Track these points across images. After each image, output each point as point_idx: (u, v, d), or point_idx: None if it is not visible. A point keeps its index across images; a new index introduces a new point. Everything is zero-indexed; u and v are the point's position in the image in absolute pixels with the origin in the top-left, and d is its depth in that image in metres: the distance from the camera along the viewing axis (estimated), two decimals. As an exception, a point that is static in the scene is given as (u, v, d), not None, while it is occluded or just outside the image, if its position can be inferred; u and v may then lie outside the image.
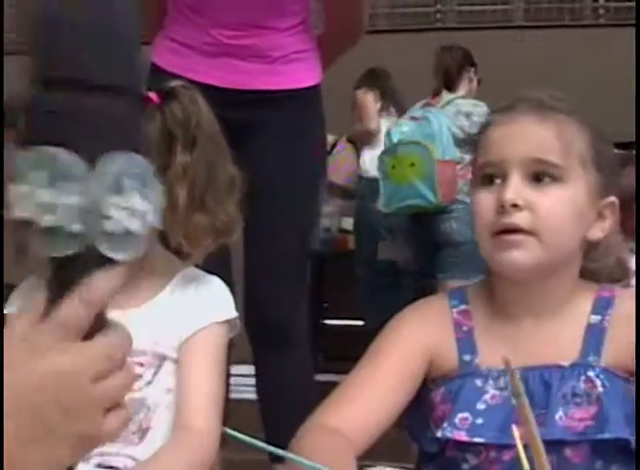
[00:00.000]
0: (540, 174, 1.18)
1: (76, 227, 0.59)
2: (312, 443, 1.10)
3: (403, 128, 4.03)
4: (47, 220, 0.58)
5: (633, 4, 5.67)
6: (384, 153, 4.08)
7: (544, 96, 1.25)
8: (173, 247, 1.36)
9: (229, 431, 0.81)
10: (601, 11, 6.03)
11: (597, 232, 1.23)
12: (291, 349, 2.14)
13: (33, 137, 0.59)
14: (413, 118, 4.08)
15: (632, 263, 1.81)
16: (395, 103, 4.76)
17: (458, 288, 1.33)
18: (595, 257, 1.27)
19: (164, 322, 1.33)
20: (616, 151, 2.57)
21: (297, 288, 2.24)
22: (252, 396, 2.28)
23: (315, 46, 2.30)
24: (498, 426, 1.18)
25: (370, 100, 4.74)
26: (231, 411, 1.74)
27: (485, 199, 1.20)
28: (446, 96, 4.24)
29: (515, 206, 1.15)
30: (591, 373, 1.18)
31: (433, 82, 4.57)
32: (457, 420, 1.18)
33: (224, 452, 2.19)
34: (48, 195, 0.58)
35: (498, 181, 1.19)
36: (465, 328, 1.25)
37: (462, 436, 1.16)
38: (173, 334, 1.33)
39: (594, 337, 1.21)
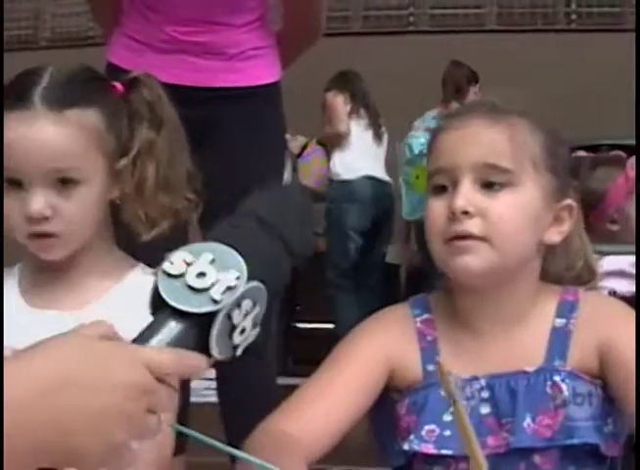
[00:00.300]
0: (492, 180, 1.17)
1: (216, 295, 0.76)
2: (264, 444, 1.08)
3: (421, 140, 4.11)
4: (192, 278, 0.77)
5: (605, 9, 5.71)
6: (406, 164, 4.20)
7: (496, 100, 1.25)
8: (131, 223, 1.33)
9: (184, 430, 0.79)
10: (573, 16, 6.05)
11: (554, 236, 1.22)
12: (253, 351, 2.12)
13: (214, 237, 0.82)
14: (429, 130, 4.12)
15: (599, 266, 1.80)
16: (366, 106, 4.76)
17: (420, 297, 1.31)
18: (559, 259, 1.27)
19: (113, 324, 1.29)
20: (585, 154, 2.61)
21: (271, 287, 2.20)
22: (214, 399, 2.26)
23: (274, 43, 2.25)
24: None
25: (340, 102, 4.74)
26: (192, 415, 1.72)
27: (437, 206, 1.18)
28: (457, 107, 4.28)
29: (466, 213, 1.14)
30: (557, 378, 1.17)
31: (405, 85, 4.59)
32: (424, 432, 1.17)
33: (186, 456, 2.19)
34: (205, 267, 0.77)
35: (450, 188, 1.18)
36: (429, 338, 1.24)
37: (429, 448, 1.14)
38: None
39: (559, 341, 1.20)
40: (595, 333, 1.18)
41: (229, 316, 0.77)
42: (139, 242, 1.34)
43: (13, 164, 1.22)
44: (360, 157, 4.68)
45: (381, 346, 1.21)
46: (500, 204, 1.15)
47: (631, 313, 1.21)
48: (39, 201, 1.21)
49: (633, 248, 2.43)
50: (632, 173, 2.41)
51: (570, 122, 4.15)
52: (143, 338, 0.77)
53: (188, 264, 0.78)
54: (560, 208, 1.21)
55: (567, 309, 1.22)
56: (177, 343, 0.76)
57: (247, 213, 0.88)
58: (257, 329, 0.82)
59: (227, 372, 2.19)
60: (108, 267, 1.32)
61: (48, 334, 1.23)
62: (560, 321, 1.21)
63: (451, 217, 1.15)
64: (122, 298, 1.30)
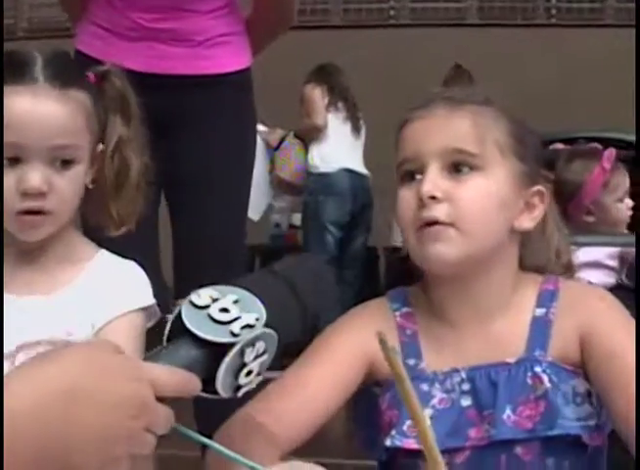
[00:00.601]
0: (458, 164, 1.15)
1: (235, 329, 0.81)
2: (237, 434, 1.06)
3: None
4: (215, 311, 0.82)
5: (585, 5, 5.73)
6: None
7: (459, 91, 1.26)
8: (99, 217, 1.33)
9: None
10: (553, 11, 6.07)
11: (526, 222, 1.20)
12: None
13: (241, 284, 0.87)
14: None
15: (576, 257, 1.80)
16: (344, 99, 4.75)
17: (399, 290, 1.29)
18: (538, 251, 1.26)
19: (77, 311, 1.27)
20: (562, 146, 2.61)
21: (231, 278, 2.17)
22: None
23: (243, 29, 2.21)
24: (448, 430, 1.15)
25: (317, 95, 4.72)
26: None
27: (406, 195, 1.18)
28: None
29: (433, 198, 1.14)
30: (538, 369, 1.15)
31: (385, 78, 4.58)
32: (405, 427, 1.15)
33: (157, 449, 2.16)
34: (229, 305, 0.83)
35: (418, 176, 1.17)
36: (409, 331, 1.22)
37: (411, 444, 1.13)
38: (86, 323, 1.28)
39: (540, 331, 1.19)
40: (576, 321, 1.17)
41: (242, 353, 0.81)
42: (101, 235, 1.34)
43: (14, 138, 1.21)
44: (338, 149, 4.66)
45: (359, 340, 1.19)
46: (467, 188, 1.15)
47: (612, 301, 1.20)
48: (37, 176, 1.21)
49: (610, 239, 2.44)
50: (608, 165, 2.42)
51: (548, 116, 4.17)
52: (156, 357, 0.79)
53: (214, 300, 0.83)
54: (530, 194, 1.20)
55: (547, 299, 1.21)
56: (186, 369, 0.79)
57: (274, 272, 0.92)
58: (261, 378, 0.85)
59: None
60: (76, 252, 1.32)
61: (20, 318, 1.23)
62: (540, 311, 1.20)
63: (420, 204, 1.15)
64: (90, 282, 1.29)
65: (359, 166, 4.72)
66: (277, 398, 1.15)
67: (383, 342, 0.73)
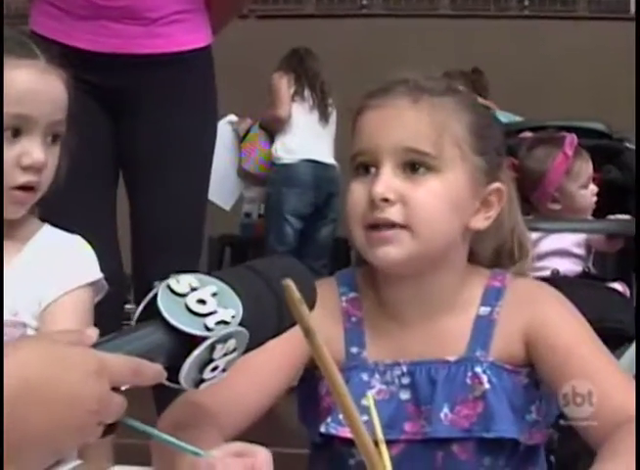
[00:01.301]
0: (414, 163, 1.11)
1: (210, 324, 0.79)
2: (180, 417, 1.04)
3: None
4: (192, 301, 0.80)
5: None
6: None
7: (420, 77, 1.18)
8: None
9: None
10: (526, 2, 6.08)
11: (480, 222, 1.17)
12: None
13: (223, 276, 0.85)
14: None
15: (543, 245, 1.78)
16: (312, 86, 4.68)
17: (346, 272, 1.26)
18: (488, 241, 1.23)
19: (23, 288, 1.25)
20: (530, 134, 2.61)
21: (190, 263, 2.13)
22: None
23: (201, 6, 2.16)
24: (385, 422, 1.10)
25: (283, 85, 4.64)
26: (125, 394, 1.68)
27: (357, 190, 1.14)
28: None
29: (385, 200, 1.09)
30: (478, 369, 1.13)
31: (358, 68, 4.55)
32: (341, 416, 1.13)
33: (114, 438, 2.14)
34: (207, 297, 0.81)
35: (372, 170, 1.13)
36: (354, 318, 1.19)
37: (346, 433, 1.09)
38: (33, 302, 1.25)
39: (482, 330, 1.16)
40: (521, 320, 1.15)
41: (212, 348, 0.80)
42: None
43: (18, 109, 1.20)
44: (302, 140, 4.60)
45: None
46: (422, 190, 1.11)
47: (558, 297, 1.18)
48: (41, 150, 1.22)
49: (578, 225, 2.43)
50: (570, 152, 2.42)
51: (520, 106, 4.17)
52: (124, 339, 0.78)
53: (192, 289, 0.81)
54: (488, 192, 1.16)
55: (492, 297, 1.18)
56: (152, 354, 0.78)
57: (254, 268, 0.90)
58: (225, 374, 0.84)
59: None
60: (20, 228, 1.30)
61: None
62: (484, 310, 1.17)
63: (371, 204, 1.11)
64: (35, 259, 1.27)
65: (325, 157, 4.67)
66: (223, 381, 1.12)
67: (289, 289, 0.67)
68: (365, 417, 1.12)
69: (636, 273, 2.24)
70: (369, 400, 0.88)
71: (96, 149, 2.01)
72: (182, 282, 0.81)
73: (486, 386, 1.12)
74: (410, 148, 1.11)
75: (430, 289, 1.17)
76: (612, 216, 2.49)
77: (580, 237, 2.45)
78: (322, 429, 1.13)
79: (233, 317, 0.81)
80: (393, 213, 1.10)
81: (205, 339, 0.79)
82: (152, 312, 0.80)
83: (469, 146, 1.14)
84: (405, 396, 1.15)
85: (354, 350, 1.17)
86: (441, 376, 1.14)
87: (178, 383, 0.80)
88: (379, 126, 1.14)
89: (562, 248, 2.43)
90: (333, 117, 4.71)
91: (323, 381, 1.16)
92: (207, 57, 2.19)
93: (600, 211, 2.55)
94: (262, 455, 0.83)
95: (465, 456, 1.13)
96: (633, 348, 2.05)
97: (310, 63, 4.71)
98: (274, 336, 0.90)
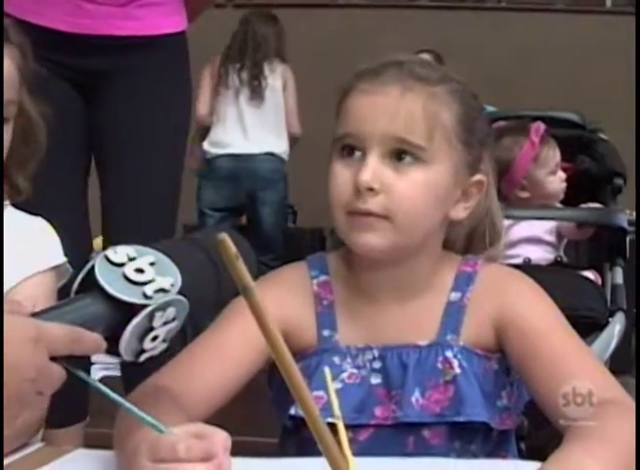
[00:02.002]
0: (401, 153, 1.10)
1: (149, 292, 0.79)
2: (145, 400, 0.99)
3: None
4: (130, 271, 0.79)
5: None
6: None
7: (414, 64, 1.16)
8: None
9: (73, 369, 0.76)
10: (503, -5, 6.08)
11: (460, 212, 1.17)
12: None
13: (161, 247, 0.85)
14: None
15: (514, 232, 1.78)
16: (242, 66, 4.36)
17: (318, 256, 1.24)
18: (460, 227, 1.22)
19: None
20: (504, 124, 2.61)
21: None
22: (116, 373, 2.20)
23: None
24: (355, 406, 1.12)
25: (205, 79, 4.41)
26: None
27: (342, 175, 1.12)
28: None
29: (370, 189, 1.08)
30: (449, 353, 1.13)
31: (335, 59, 4.51)
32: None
33: (85, 426, 2.13)
34: (145, 266, 0.80)
35: (358, 154, 1.11)
36: (325, 302, 1.18)
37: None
38: None
39: (453, 315, 1.16)
40: (492, 305, 1.15)
41: (151, 316, 0.79)
42: None
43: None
44: (224, 133, 4.39)
45: (275, 306, 1.13)
46: (407, 181, 1.09)
47: (528, 282, 1.18)
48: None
49: (550, 213, 2.44)
50: (536, 139, 2.43)
51: (495, 98, 4.17)
52: (63, 310, 0.77)
53: (130, 259, 0.80)
54: (469, 183, 1.16)
55: (464, 282, 1.18)
56: (92, 325, 0.77)
57: (193, 239, 0.90)
58: (165, 345, 0.83)
59: None
60: None
61: None
62: (455, 295, 1.17)
63: (355, 192, 1.10)
64: None
65: (253, 147, 4.39)
66: (187, 364, 1.10)
67: (224, 244, 0.62)
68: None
69: (637, 273, 2.25)
70: (326, 376, 0.86)
71: (67, 132, 1.98)
72: (119, 252, 0.81)
73: (457, 370, 1.12)
74: (400, 138, 1.09)
75: (404, 274, 1.16)
76: (583, 205, 2.50)
77: (551, 224, 2.47)
78: (292, 411, 1.12)
79: (172, 286, 0.80)
80: (375, 205, 1.09)
81: (143, 307, 0.78)
82: (90, 283, 0.79)
83: (457, 138, 1.13)
84: (376, 380, 1.15)
85: (326, 333, 1.16)
86: (412, 360, 1.13)
87: (119, 354, 0.80)
88: (369, 112, 1.11)
89: (533, 235, 2.44)
90: (273, 90, 4.41)
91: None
92: (183, 42, 2.16)
93: (573, 201, 2.56)
94: (219, 437, 0.81)
95: (436, 441, 1.13)
96: (604, 335, 2.06)
97: (258, 27, 4.40)
98: (216, 307, 0.89)
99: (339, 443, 0.76)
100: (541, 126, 2.43)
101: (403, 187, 1.09)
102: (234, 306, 1.12)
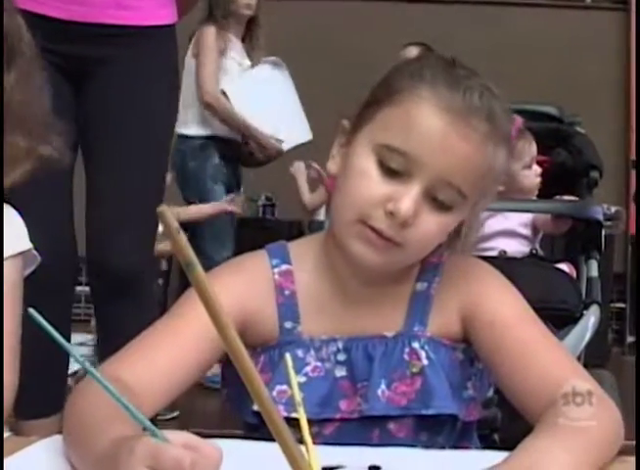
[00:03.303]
0: (441, 199, 1.03)
1: None
2: (93, 392, 0.94)
3: None
4: None
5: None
6: None
7: (494, 98, 1.05)
8: None
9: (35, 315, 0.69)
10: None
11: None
12: (137, 302, 2.05)
13: None
14: None
15: (489, 225, 1.77)
16: None
17: (278, 244, 1.18)
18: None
19: None
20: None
21: (146, 236, 2.11)
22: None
23: None
24: (319, 400, 1.09)
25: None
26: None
27: (378, 187, 1.03)
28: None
29: (404, 222, 1.02)
30: (416, 344, 1.10)
31: (317, 52, 4.53)
32: (275, 393, 1.07)
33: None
34: None
35: (400, 171, 1.02)
36: (287, 292, 1.13)
37: (280, 411, 1.05)
38: None
39: (419, 306, 1.12)
40: (458, 295, 1.12)
41: None
42: None
43: None
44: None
45: (234, 295, 1.10)
46: (437, 223, 1.04)
47: (493, 273, 1.15)
48: None
49: (526, 205, 2.44)
50: (512, 133, 2.42)
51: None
52: None
53: None
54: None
55: (430, 273, 1.15)
56: None
57: None
58: None
59: (104, 324, 2.13)
60: None
61: None
62: (421, 285, 1.14)
63: (388, 215, 1.02)
64: None
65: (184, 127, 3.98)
66: (141, 354, 1.05)
67: (164, 216, 0.57)
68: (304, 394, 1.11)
69: (637, 271, 2.26)
70: (287, 362, 0.83)
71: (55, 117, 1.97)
72: None
73: (424, 362, 1.09)
74: (451, 184, 1.02)
75: (378, 271, 1.12)
76: (558, 197, 2.50)
77: (526, 218, 2.46)
78: (255, 407, 1.05)
79: None
80: (401, 236, 1.03)
81: None
82: None
83: (488, 191, 1.09)
84: (341, 372, 1.11)
85: (288, 325, 1.13)
86: (379, 352, 1.11)
87: None
88: (440, 144, 1.01)
89: (508, 228, 2.43)
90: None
91: (257, 358, 1.11)
92: (173, 35, 2.17)
93: (549, 194, 2.56)
94: (218, 453, 0.75)
95: (402, 434, 1.11)
96: (578, 328, 2.06)
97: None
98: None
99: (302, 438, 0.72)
100: (518, 120, 2.43)
101: (431, 226, 1.04)
102: (189, 296, 1.08)
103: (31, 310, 0.68)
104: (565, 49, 5.23)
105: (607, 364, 4.00)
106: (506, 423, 1.55)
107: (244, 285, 1.13)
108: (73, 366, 2.70)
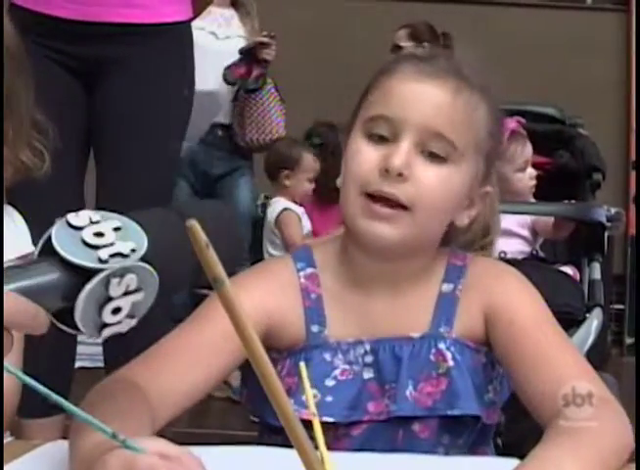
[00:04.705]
0: (434, 150, 1.07)
1: (103, 255, 0.71)
2: (113, 395, 0.95)
3: None
4: (88, 234, 0.72)
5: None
6: None
7: (464, 62, 1.13)
8: None
9: (17, 372, 0.69)
10: (484, -11, 6.06)
11: (464, 219, 1.14)
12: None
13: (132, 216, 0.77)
14: None
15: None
16: None
17: (301, 248, 1.20)
18: (462, 234, 1.21)
19: None
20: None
21: None
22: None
23: None
24: (348, 403, 1.09)
25: None
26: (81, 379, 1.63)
27: (369, 155, 1.07)
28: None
29: (400, 175, 1.04)
30: (442, 345, 1.10)
31: (306, 49, 4.50)
32: (304, 397, 1.09)
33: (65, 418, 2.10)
34: (107, 230, 0.73)
35: (388, 137, 1.07)
36: (313, 295, 1.14)
37: (309, 415, 1.04)
38: None
39: (446, 307, 1.13)
40: (481, 297, 1.13)
41: (107, 283, 0.71)
42: None
43: None
44: None
45: (259, 300, 1.10)
46: (434, 174, 1.06)
47: (518, 275, 1.16)
48: None
49: (528, 207, 2.44)
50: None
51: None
52: (13, 275, 0.69)
53: (92, 222, 0.73)
54: (478, 193, 1.14)
55: (455, 274, 1.15)
56: (46, 292, 0.70)
57: (170, 208, 0.83)
58: (134, 321, 0.74)
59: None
60: None
61: None
62: (447, 286, 1.14)
63: (383, 174, 1.05)
64: None
65: None
66: (159, 359, 1.04)
67: (193, 231, 0.56)
68: (330, 398, 1.11)
69: (637, 270, 2.25)
70: (302, 371, 0.82)
71: (66, 118, 1.96)
72: (81, 215, 0.73)
73: (450, 363, 1.09)
74: (438, 132, 1.06)
75: (399, 268, 1.13)
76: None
77: (523, 218, 2.45)
78: (271, 421, 1.07)
79: (133, 251, 0.72)
80: (402, 192, 1.05)
81: (98, 272, 0.70)
82: (48, 251, 0.72)
83: (483, 148, 1.11)
84: (369, 374, 1.11)
85: (315, 328, 1.12)
86: (406, 353, 1.11)
87: (77, 328, 0.72)
88: (414, 99, 1.07)
89: (506, 228, 2.42)
90: None
91: (283, 362, 1.11)
92: (186, 31, 2.15)
93: (551, 196, 2.56)
94: (196, 463, 0.74)
95: (425, 434, 1.11)
96: (582, 331, 2.06)
97: None
98: (195, 285, 0.81)
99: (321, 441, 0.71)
100: (511, 123, 2.42)
101: (431, 179, 1.06)
102: (213, 300, 1.07)
103: (7, 365, 0.67)
104: (564, 50, 5.22)
105: (606, 366, 4.00)
106: (509, 426, 1.55)
107: (270, 289, 1.13)
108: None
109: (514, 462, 0.86)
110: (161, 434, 0.87)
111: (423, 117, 1.06)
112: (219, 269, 0.57)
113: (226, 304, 0.57)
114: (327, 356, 1.11)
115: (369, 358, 1.12)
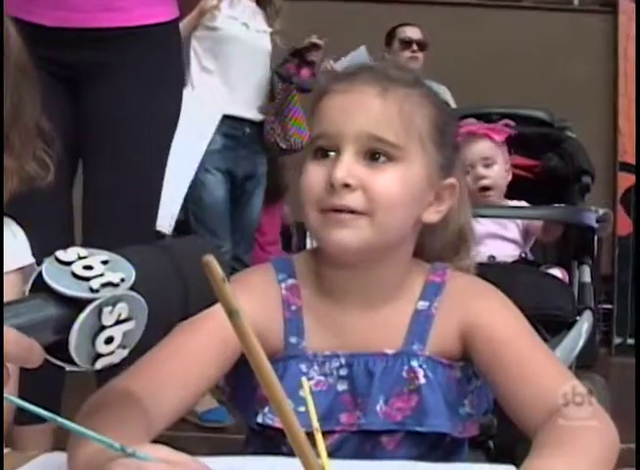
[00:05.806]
0: (376, 152, 1.09)
1: (94, 285, 0.73)
2: (105, 404, 0.96)
3: None
4: (78, 267, 0.74)
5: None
6: None
7: (389, 66, 1.18)
8: None
9: (14, 400, 0.70)
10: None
11: (433, 215, 1.16)
12: None
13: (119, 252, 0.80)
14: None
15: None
16: None
17: (283, 258, 1.22)
18: (436, 236, 1.22)
19: None
20: (476, 121, 2.61)
21: (142, 238, 2.05)
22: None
23: None
24: (321, 413, 1.10)
25: None
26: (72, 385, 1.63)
27: (316, 173, 1.10)
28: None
29: (346, 186, 1.07)
30: (414, 363, 1.12)
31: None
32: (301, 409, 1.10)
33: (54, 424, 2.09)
34: (95, 264, 0.75)
35: (332, 154, 1.10)
36: (293, 307, 1.15)
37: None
38: None
39: (420, 324, 1.14)
40: (458, 315, 1.14)
41: (100, 312, 0.73)
42: None
43: None
44: None
45: (244, 309, 1.12)
46: (383, 178, 1.08)
47: (495, 291, 1.17)
48: None
49: (518, 212, 2.45)
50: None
51: (465, 94, 4.19)
52: (6, 311, 0.71)
53: (80, 257, 0.76)
54: (442, 186, 1.15)
55: (432, 292, 1.17)
56: (40, 326, 0.72)
57: (155, 244, 0.85)
58: (125, 352, 0.77)
59: None
60: None
61: None
62: (423, 304, 1.16)
63: (330, 189, 1.08)
64: None
65: None
66: (151, 367, 1.05)
67: (210, 266, 0.58)
68: (302, 408, 1.11)
69: (635, 271, 2.27)
70: (304, 386, 0.84)
71: (55, 127, 1.95)
72: (70, 252, 0.76)
73: (422, 380, 1.11)
74: (375, 136, 1.09)
75: (373, 279, 1.15)
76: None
77: (512, 221, 2.46)
78: (259, 419, 1.10)
79: (122, 280, 0.75)
80: (354, 200, 1.07)
81: (90, 302, 0.73)
82: (39, 287, 0.74)
83: (430, 140, 1.12)
84: (342, 387, 1.13)
85: (293, 340, 1.14)
86: (379, 369, 1.12)
87: (72, 361, 0.73)
88: (344, 111, 1.11)
89: (492, 231, 2.44)
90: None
91: None
92: (171, 32, 2.11)
93: (541, 199, 2.56)
94: (194, 466, 0.75)
95: (391, 447, 1.13)
96: (572, 334, 2.07)
97: None
98: (185, 312, 0.83)
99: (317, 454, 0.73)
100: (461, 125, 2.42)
101: (380, 183, 1.08)
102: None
103: (7, 396, 0.69)
104: (551, 51, 5.24)
105: (594, 366, 4.03)
106: (501, 430, 1.56)
107: (253, 300, 1.13)
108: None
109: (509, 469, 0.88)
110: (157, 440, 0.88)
111: (357, 125, 1.09)
112: (235, 302, 0.60)
113: (241, 334, 0.60)
114: (303, 367, 1.13)
115: (344, 371, 1.13)
